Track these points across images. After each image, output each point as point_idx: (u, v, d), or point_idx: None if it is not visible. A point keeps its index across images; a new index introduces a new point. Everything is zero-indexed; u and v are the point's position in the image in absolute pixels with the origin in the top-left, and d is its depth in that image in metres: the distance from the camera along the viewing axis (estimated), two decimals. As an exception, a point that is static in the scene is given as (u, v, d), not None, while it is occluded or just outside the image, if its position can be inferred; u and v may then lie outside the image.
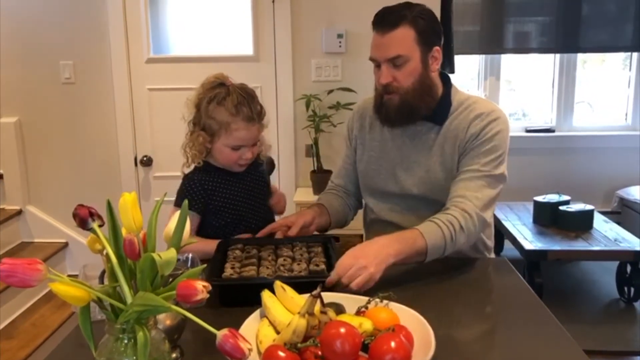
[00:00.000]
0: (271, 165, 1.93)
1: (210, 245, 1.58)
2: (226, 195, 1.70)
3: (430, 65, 1.56)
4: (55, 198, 3.38)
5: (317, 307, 0.99)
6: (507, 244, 3.31)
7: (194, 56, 3.24)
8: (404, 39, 1.50)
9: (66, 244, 3.41)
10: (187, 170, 1.71)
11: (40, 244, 3.39)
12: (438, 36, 1.57)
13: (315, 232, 1.70)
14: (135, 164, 3.33)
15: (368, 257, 1.31)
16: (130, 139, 3.30)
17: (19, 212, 3.38)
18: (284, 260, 1.41)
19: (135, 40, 3.20)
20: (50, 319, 2.88)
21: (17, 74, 3.26)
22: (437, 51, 1.57)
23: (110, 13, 3.15)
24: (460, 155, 1.58)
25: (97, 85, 3.25)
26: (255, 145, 1.68)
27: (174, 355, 1.05)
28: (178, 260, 0.87)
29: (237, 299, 1.26)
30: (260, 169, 1.81)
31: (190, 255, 1.17)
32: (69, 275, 0.80)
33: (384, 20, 1.52)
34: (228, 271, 1.35)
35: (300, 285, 1.16)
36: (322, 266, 1.35)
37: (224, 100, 1.60)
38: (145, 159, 3.31)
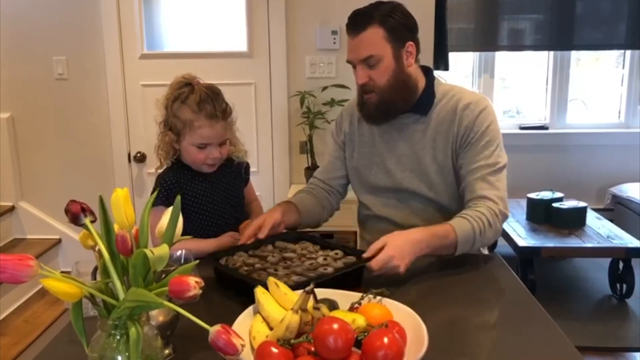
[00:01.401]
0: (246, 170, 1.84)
1: (205, 244, 1.58)
2: (200, 195, 1.66)
3: (405, 60, 1.58)
4: (49, 194, 3.37)
5: (310, 303, 0.99)
6: (501, 240, 3.31)
7: (187, 52, 3.23)
8: (373, 39, 1.53)
9: (59, 241, 3.40)
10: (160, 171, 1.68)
11: (33, 241, 3.37)
12: (410, 31, 1.59)
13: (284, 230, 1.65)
14: (129, 160, 3.32)
15: (403, 257, 1.35)
16: (124, 135, 3.29)
17: (12, 209, 3.37)
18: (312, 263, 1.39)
19: (129, 36, 3.18)
20: (43, 315, 2.87)
21: (10, 70, 3.23)
22: (410, 46, 1.58)
23: (103, 9, 3.14)
24: (457, 150, 1.60)
25: (90, 81, 3.24)
26: (224, 145, 1.65)
27: (166, 351, 1.05)
28: (171, 256, 0.86)
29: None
30: (235, 172, 1.76)
31: (183, 251, 1.17)
32: (62, 272, 0.79)
33: (354, 23, 1.56)
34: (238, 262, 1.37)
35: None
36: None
37: (187, 99, 1.59)
38: (138, 155, 3.30)
